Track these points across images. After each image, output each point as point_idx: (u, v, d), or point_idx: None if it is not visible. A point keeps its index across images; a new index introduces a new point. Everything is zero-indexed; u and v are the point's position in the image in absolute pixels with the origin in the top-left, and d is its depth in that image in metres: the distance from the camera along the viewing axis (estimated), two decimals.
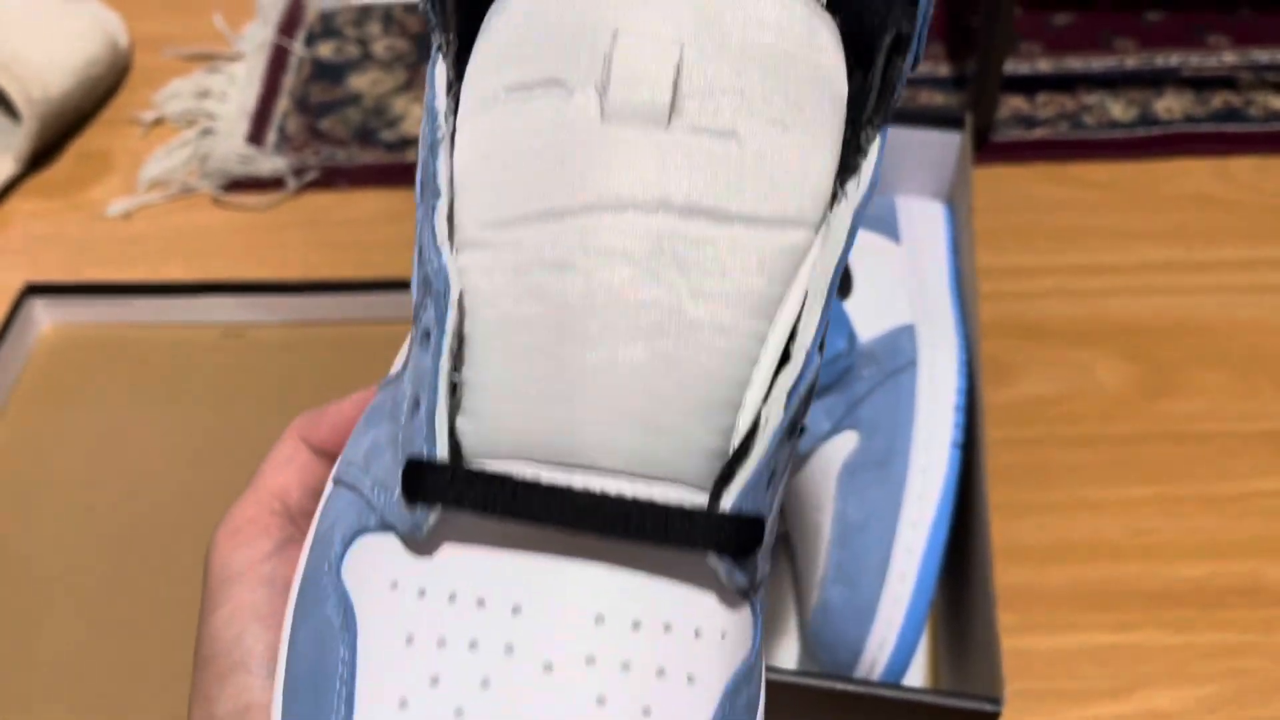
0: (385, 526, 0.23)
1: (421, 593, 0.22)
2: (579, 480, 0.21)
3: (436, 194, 0.23)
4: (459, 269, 0.22)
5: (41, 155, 0.71)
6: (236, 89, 0.75)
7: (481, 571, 0.21)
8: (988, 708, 0.37)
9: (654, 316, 0.21)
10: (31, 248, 0.67)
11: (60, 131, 0.72)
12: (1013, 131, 0.69)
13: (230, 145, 0.71)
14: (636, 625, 0.21)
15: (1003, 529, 0.50)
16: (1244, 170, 0.66)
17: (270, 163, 0.69)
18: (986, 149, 0.68)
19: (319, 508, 0.26)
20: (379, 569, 0.22)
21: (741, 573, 0.22)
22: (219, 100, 0.74)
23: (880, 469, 0.44)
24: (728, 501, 0.21)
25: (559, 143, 0.22)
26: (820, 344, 0.23)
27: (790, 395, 0.22)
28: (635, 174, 0.21)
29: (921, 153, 0.55)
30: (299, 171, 0.69)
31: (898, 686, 0.40)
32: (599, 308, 0.21)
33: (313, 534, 0.25)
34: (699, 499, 0.22)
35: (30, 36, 0.69)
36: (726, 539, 0.21)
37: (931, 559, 0.42)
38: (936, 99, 0.72)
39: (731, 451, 0.22)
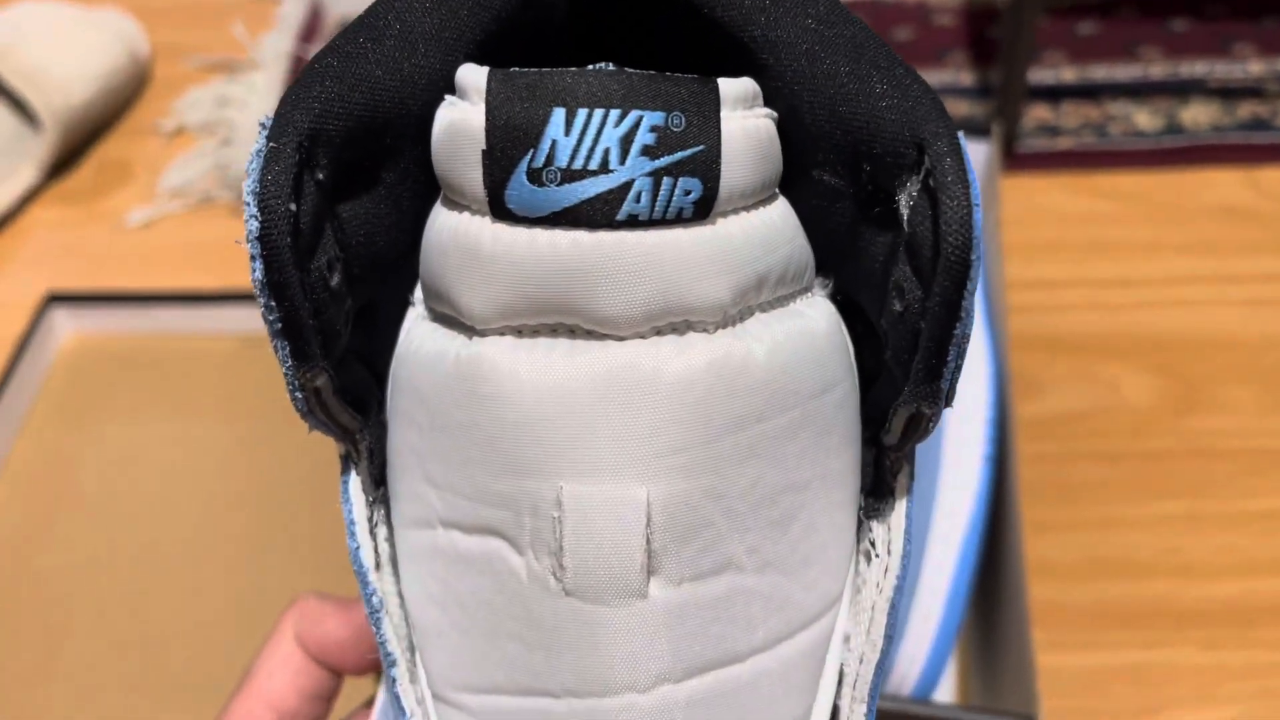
0: None
1: None
2: None
3: (391, 661, 0.20)
4: None
5: (62, 164, 0.71)
6: (256, 98, 0.75)
7: None
8: None
9: None
10: (52, 257, 0.67)
11: (81, 140, 0.72)
12: (1037, 141, 0.69)
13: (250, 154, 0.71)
14: None
15: (1029, 544, 0.49)
16: (1273, 181, 0.66)
17: None
18: (1010, 159, 0.68)
19: None
20: None
21: None
22: (239, 109, 0.74)
23: None
24: None
25: (520, 611, 0.18)
26: None
27: None
28: (619, 655, 0.18)
29: None
30: None
31: (928, 703, 0.39)
32: None
33: None
34: None
35: (52, 46, 0.69)
36: None
37: (962, 575, 0.42)
38: (960, 108, 0.71)
39: None
